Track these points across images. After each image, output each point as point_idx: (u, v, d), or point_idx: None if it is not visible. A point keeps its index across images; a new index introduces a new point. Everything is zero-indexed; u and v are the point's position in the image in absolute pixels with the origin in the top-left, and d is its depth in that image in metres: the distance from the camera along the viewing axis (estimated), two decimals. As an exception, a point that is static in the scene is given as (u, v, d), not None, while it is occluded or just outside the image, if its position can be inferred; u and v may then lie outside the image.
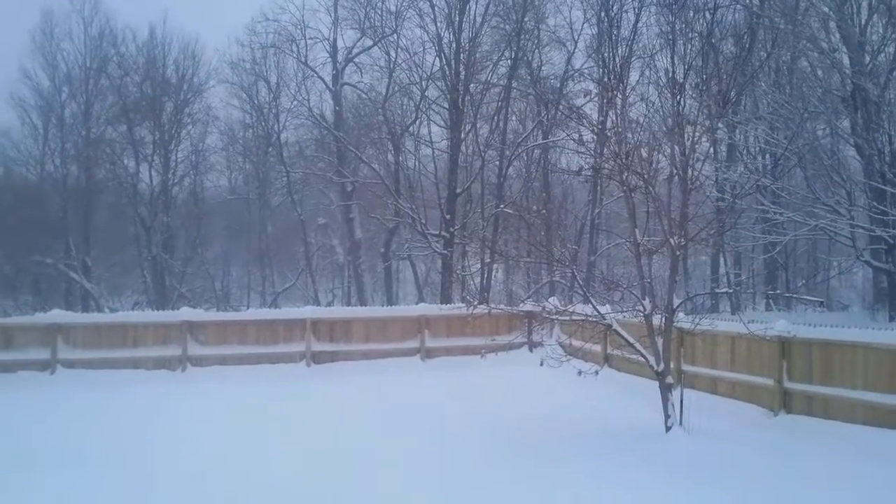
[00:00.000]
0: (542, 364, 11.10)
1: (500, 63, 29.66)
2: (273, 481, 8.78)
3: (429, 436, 10.87)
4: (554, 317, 13.20)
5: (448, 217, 27.98)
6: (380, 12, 30.98)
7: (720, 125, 20.50)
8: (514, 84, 29.30)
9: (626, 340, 10.90)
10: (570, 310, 12.18)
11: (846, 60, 21.49)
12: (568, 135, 26.45)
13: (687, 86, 24.71)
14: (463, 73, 28.48)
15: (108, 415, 12.75)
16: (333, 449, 10.19)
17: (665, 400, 10.44)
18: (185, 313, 18.22)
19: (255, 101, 36.59)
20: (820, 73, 22.73)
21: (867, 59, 21.05)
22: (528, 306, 17.28)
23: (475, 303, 13.14)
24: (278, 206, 37.60)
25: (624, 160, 10.67)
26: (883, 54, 21.41)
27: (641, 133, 11.67)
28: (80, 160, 35.49)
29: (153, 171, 36.25)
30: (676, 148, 10.97)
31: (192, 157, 37.74)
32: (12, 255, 32.82)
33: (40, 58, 35.95)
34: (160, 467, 9.39)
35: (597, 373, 10.78)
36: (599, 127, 13.22)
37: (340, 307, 29.83)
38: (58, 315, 17.76)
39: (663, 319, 10.76)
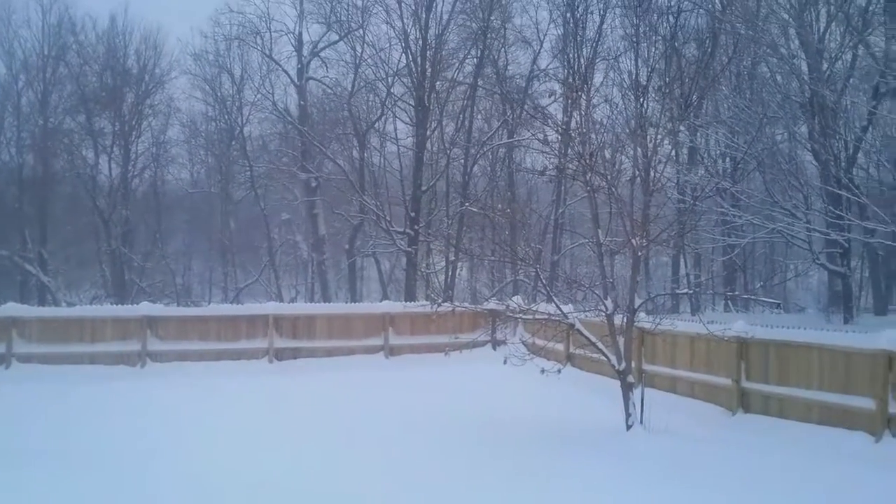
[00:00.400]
0: (505, 362, 11.18)
1: (467, 61, 29.75)
2: (233, 478, 8.69)
3: (392, 433, 10.87)
4: (517, 315, 13.29)
5: (413, 214, 27.96)
6: (346, 6, 30.82)
7: (682, 128, 20.85)
8: (480, 82, 29.39)
9: (589, 339, 11.05)
10: (534, 309, 12.29)
11: (805, 67, 21.96)
12: (533, 134, 26.55)
13: (650, 88, 25.15)
14: (429, 70, 28.45)
15: (64, 411, 12.50)
16: (295, 446, 10.14)
17: (626, 398, 10.60)
18: (145, 308, 17.91)
19: (219, 94, 36.09)
20: (779, 78, 23.20)
21: (825, 66, 21.51)
22: (492, 305, 17.34)
23: (439, 301, 13.19)
24: (241, 201, 37.17)
25: (587, 161, 10.80)
26: (840, 62, 21.91)
27: (605, 134, 11.82)
28: (37, 150, 34.75)
29: (112, 162, 35.62)
30: (639, 150, 11.14)
31: (153, 150, 37.14)
32: (-34, 247, 31.98)
33: (-4, 44, 35.11)
34: (116, 463, 9.25)
35: (559, 371, 10.89)
36: (564, 127, 13.33)
37: (304, 303, 29.62)
38: (13, 308, 17.33)
39: (625, 319, 10.93)
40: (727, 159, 25.96)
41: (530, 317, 12.10)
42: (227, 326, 17.94)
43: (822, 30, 21.96)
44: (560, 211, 28.05)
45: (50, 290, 32.91)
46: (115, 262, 34.00)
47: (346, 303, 28.38)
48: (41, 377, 15.33)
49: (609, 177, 10.84)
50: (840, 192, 19.97)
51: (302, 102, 32.93)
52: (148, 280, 35.10)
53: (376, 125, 31.33)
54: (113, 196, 34.87)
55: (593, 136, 11.26)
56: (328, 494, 8.18)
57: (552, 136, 14.69)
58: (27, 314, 17.35)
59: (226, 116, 36.32)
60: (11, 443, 10.29)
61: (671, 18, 26.57)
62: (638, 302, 11.18)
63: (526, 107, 26.96)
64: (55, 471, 8.88)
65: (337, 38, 31.87)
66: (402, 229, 28.50)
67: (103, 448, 10.06)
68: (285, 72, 33.34)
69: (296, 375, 16.26)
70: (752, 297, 21.09)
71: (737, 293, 22.82)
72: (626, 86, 27.26)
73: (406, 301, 22.66)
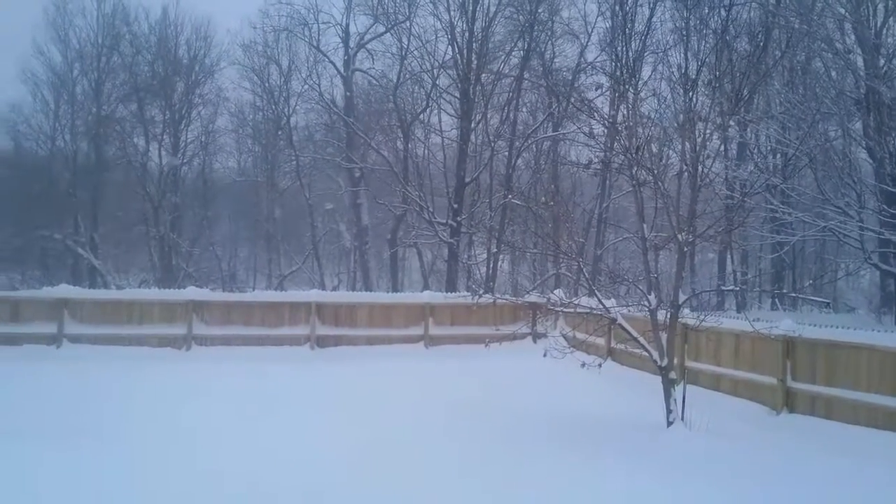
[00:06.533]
0: (545, 355, 11.12)
1: (513, 54, 29.64)
2: (270, 464, 8.82)
3: (430, 423, 10.90)
4: (558, 309, 13.21)
5: (455, 206, 28.00)
6: (393, -1, 30.91)
7: (731, 123, 20.43)
8: (526, 75, 29.23)
9: (630, 335, 10.94)
10: (575, 302, 12.21)
11: (860, 62, 21.37)
12: (578, 128, 26.46)
13: (699, 82, 24.70)
14: (475, 62, 28.43)
15: (111, 390, 12.86)
16: (335, 433, 10.24)
17: (667, 395, 10.48)
18: (191, 293, 18.29)
19: (266, 84, 36.49)
20: (834, 74, 22.60)
21: (882, 61, 20.91)
22: (533, 297, 17.27)
23: (480, 292, 13.17)
24: (286, 190, 37.60)
25: (634, 155, 10.68)
26: (898, 57, 21.27)
27: (652, 128, 11.64)
28: (91, 137, 35.62)
29: (163, 150, 36.40)
30: (687, 144, 10.97)
31: (202, 138, 37.87)
32: (21, 229, 32.95)
33: (53, 33, 36.14)
34: (158, 444, 9.46)
35: (600, 366, 10.85)
36: (610, 121, 13.19)
37: (346, 292, 29.88)
38: (65, 290, 17.87)
39: (668, 315, 10.79)
40: (778, 155, 25.39)
41: (572, 310, 12.00)
42: (270, 313, 18.22)
43: (879, 24, 21.35)
44: (604, 205, 27.80)
45: (100, 273, 33.77)
46: (164, 248, 34.75)
47: (388, 292, 28.54)
48: (90, 357, 15.78)
49: (656, 171, 10.71)
50: (895, 190, 19.42)
51: (348, 93, 33.14)
52: (195, 265, 35.76)
53: (421, 117, 31.38)
54: (162, 183, 35.61)
55: (640, 129, 11.12)
56: (360, 478, 8.24)
57: (598, 129, 14.57)
58: (78, 296, 17.84)
59: (273, 107, 36.71)
60: (56, 419, 10.58)
61: (723, 12, 26.07)
62: (682, 298, 11.04)
63: (572, 100, 26.72)
64: (95, 447, 9.11)
65: (383, 29, 32.00)
66: (444, 220, 28.54)
67: (144, 427, 10.29)
68: (332, 63, 33.60)
69: (337, 362, 16.45)
70: (801, 295, 20.61)
71: (785, 291, 22.36)
72: (674, 80, 26.89)
73: (447, 292, 22.66)
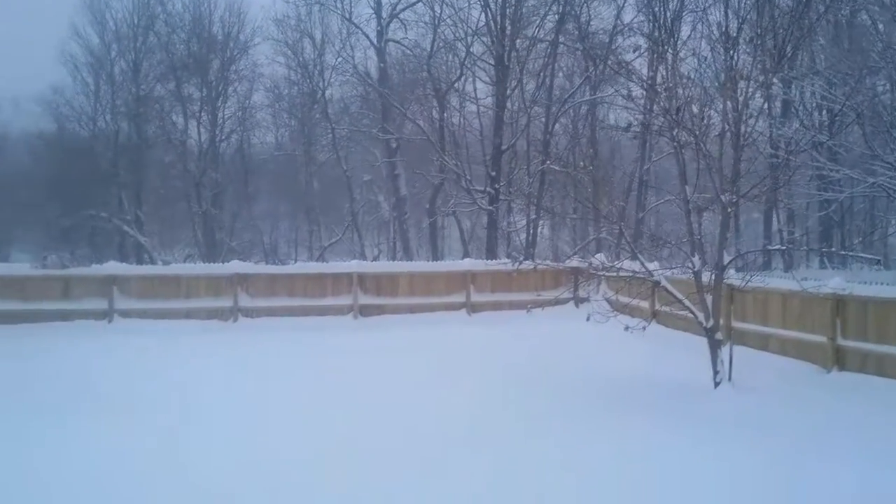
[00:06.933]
0: (588, 319, 11.13)
1: (547, 18, 29.14)
2: (319, 432, 8.96)
3: (476, 389, 10.93)
4: (601, 273, 13.14)
5: (493, 174, 27.87)
6: (425, -34, 30.57)
7: (775, 80, 19.95)
8: (562, 39, 28.78)
9: (675, 297, 10.85)
10: (618, 266, 12.14)
11: (909, 13, 20.66)
12: (616, 91, 26.03)
13: (741, 40, 24.06)
14: (509, 28, 28.06)
15: (162, 363, 13.17)
16: (383, 399, 10.36)
17: (714, 356, 10.41)
18: (236, 266, 18.60)
19: (300, 58, 36.54)
20: (881, 26, 21.89)
21: (932, 11, 20.20)
22: (575, 262, 17.20)
23: (521, 258, 13.16)
24: (324, 163, 37.81)
25: (674, 116, 10.51)
26: (949, 6, 20.50)
27: (692, 88, 11.41)
28: (131, 117, 36.16)
29: (201, 127, 36.83)
30: (729, 104, 10.75)
31: (239, 114, 38.17)
32: (68, 209, 33.70)
33: (89, 15, 36.66)
34: (208, 415, 9.67)
35: (644, 328, 10.78)
36: (649, 83, 12.96)
37: (387, 262, 30.08)
38: (114, 267, 18.33)
39: (713, 276, 10.68)
40: (824, 112, 24.77)
41: (614, 274, 11.94)
42: (313, 284, 18.45)
43: (929, -27, 20.59)
44: (645, 167, 27.45)
45: (146, 249, 34.49)
46: (207, 223, 35.33)
47: (428, 261, 28.62)
48: (141, 331, 16.17)
49: (697, 132, 10.54)
50: (947, 143, 18.87)
51: (382, 65, 33.01)
52: (237, 239, 36.31)
53: (456, 85, 31.17)
54: (202, 160, 36.08)
55: (680, 90, 10.92)
56: (408, 445, 8.36)
57: (637, 91, 14.31)
58: (127, 272, 18.28)
59: (308, 80, 36.80)
60: (111, 392, 10.90)
61: (764, -34, 25.31)
62: (727, 259, 10.91)
63: (609, 62, 26.28)
64: (148, 419, 9.40)
65: (416, -2, 31.72)
66: (482, 188, 28.46)
67: (195, 398, 10.55)
68: (365, 35, 33.45)
69: (380, 331, 16.62)
70: (850, 253, 20.15)
71: (833, 249, 21.90)
72: (714, 38, 26.23)
73: (487, 259, 22.65)
